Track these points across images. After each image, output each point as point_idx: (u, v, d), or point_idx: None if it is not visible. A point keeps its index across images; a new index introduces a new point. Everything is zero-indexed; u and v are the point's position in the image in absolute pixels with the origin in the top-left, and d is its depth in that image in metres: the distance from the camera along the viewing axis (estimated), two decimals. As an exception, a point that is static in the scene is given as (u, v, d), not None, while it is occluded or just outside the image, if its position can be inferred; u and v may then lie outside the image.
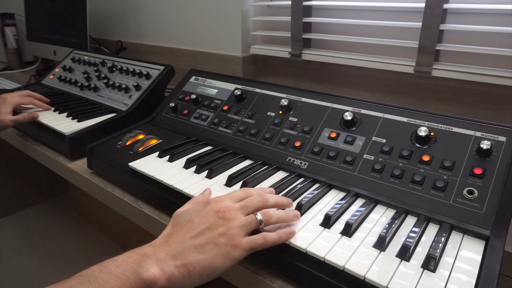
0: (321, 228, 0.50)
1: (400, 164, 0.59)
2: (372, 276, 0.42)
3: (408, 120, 0.63)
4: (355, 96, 0.72)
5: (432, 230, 0.50)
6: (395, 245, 0.47)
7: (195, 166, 0.67)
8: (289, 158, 0.67)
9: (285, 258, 0.48)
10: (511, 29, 0.75)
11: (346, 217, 0.52)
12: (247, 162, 0.70)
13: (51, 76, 1.25)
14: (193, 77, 0.96)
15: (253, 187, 0.61)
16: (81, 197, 1.96)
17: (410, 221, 0.52)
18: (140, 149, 0.76)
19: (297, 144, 0.68)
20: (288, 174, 0.65)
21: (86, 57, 1.25)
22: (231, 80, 0.89)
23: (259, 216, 0.49)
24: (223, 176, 0.64)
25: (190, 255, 0.44)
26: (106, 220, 1.84)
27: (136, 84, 1.01)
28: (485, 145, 0.54)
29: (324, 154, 0.65)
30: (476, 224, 0.49)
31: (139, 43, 1.51)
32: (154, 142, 0.79)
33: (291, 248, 0.48)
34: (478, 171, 0.54)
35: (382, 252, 0.46)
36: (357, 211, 0.53)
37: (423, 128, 0.59)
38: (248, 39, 1.19)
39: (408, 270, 0.43)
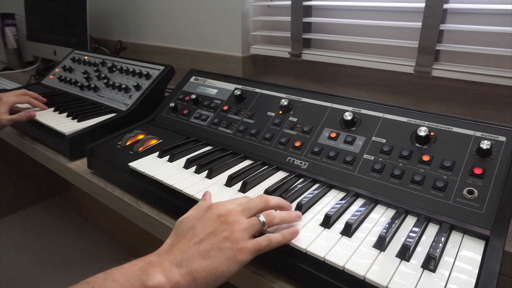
0: (321, 228, 0.50)
1: (400, 164, 0.59)
2: (372, 276, 0.42)
3: (408, 120, 0.63)
4: (355, 96, 0.72)
5: (432, 230, 0.50)
6: (395, 245, 0.47)
7: (195, 166, 0.67)
8: (289, 158, 0.67)
9: (285, 258, 0.48)
10: (511, 29, 0.75)
11: (346, 217, 0.52)
12: (247, 162, 0.70)
13: (51, 76, 1.25)
14: (193, 77, 0.96)
15: (253, 187, 0.61)
16: (81, 197, 1.96)
17: (410, 221, 0.52)
18: (140, 149, 0.77)
19: (297, 144, 0.68)
20: (288, 174, 0.65)
21: (86, 57, 1.25)
22: (231, 80, 0.89)
23: (262, 218, 0.48)
24: (223, 176, 0.64)
25: (195, 262, 0.43)
26: (106, 220, 1.84)
27: (136, 84, 1.01)
28: (485, 145, 0.54)
29: (324, 154, 0.65)
30: (476, 224, 0.49)
31: (139, 43, 1.51)
32: (154, 142, 0.79)
33: (291, 248, 0.48)
34: (478, 171, 0.54)
35: (382, 252, 0.46)
36: (357, 211, 0.53)
37: (423, 128, 0.59)
38: (248, 39, 1.19)
39: (408, 270, 0.43)
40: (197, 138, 0.79)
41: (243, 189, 0.60)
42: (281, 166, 0.67)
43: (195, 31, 1.29)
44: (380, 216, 0.53)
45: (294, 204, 0.55)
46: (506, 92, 0.80)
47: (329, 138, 0.67)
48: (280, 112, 0.75)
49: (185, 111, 0.87)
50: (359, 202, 0.57)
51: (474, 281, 0.41)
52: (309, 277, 0.46)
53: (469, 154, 0.56)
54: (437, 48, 0.83)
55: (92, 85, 1.09)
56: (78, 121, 0.91)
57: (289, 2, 1.03)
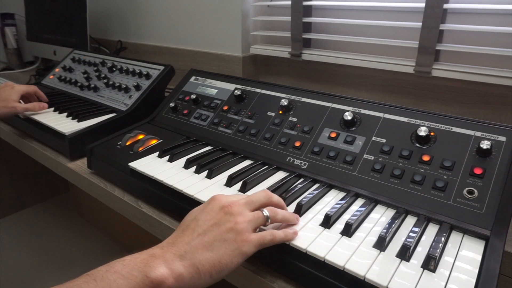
0: (321, 228, 0.50)
1: (400, 164, 0.59)
2: (372, 276, 0.42)
3: (408, 120, 0.63)
4: (355, 96, 0.72)
5: (432, 230, 0.50)
6: (395, 245, 0.47)
7: (195, 166, 0.67)
8: (289, 158, 0.67)
9: (285, 258, 0.48)
10: (511, 29, 0.75)
11: (346, 217, 0.52)
12: (247, 162, 0.70)
13: (51, 76, 1.25)
14: (193, 77, 0.96)
15: (253, 187, 0.61)
16: (81, 197, 1.96)
17: (410, 221, 0.52)
18: (140, 149, 0.77)
19: (297, 144, 0.68)
20: (288, 174, 0.65)
21: (86, 57, 1.25)
22: (231, 80, 0.89)
23: (266, 212, 0.48)
24: (223, 176, 0.64)
25: (198, 253, 0.43)
26: (106, 220, 1.84)
27: (136, 84, 1.01)
28: (485, 145, 0.54)
29: (324, 154, 0.65)
30: (476, 224, 0.49)
31: (139, 43, 1.51)
32: (154, 142, 0.79)
33: (291, 248, 0.48)
34: (478, 171, 0.54)
35: (382, 252, 0.46)
36: (357, 211, 0.53)
37: (423, 128, 0.59)
38: (248, 39, 1.19)
39: (408, 270, 0.43)
40: (197, 138, 0.79)
41: (243, 189, 0.60)
42: (281, 166, 0.67)
43: (195, 31, 1.29)
44: (380, 216, 0.53)
45: (294, 204, 0.55)
46: (506, 92, 0.80)
47: (329, 138, 0.67)
48: (280, 112, 0.75)
49: (185, 111, 0.87)
50: (359, 202, 0.57)
51: (474, 281, 0.41)
52: (309, 277, 0.46)
53: (469, 154, 0.56)
54: (437, 48, 0.83)
55: (92, 85, 1.09)
56: (78, 121, 0.91)
57: (289, 2, 1.03)
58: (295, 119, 0.73)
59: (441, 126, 0.60)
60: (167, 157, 0.72)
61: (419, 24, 0.83)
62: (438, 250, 0.44)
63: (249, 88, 0.84)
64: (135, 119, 0.92)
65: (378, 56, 0.95)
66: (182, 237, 0.45)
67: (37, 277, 1.58)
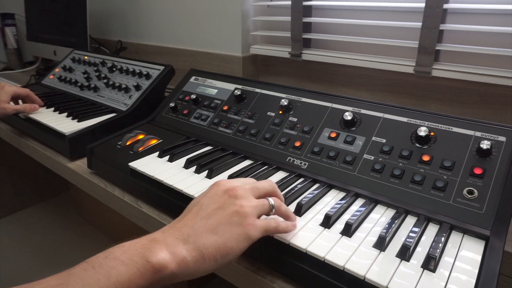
0: (321, 228, 0.50)
1: (400, 164, 0.59)
2: (372, 276, 0.42)
3: (408, 120, 0.63)
4: (355, 96, 0.72)
5: (432, 230, 0.50)
6: (395, 245, 0.47)
7: (195, 166, 0.67)
8: (289, 158, 0.67)
9: (285, 258, 0.48)
10: (511, 29, 0.75)
11: (346, 217, 0.52)
12: (247, 162, 0.70)
13: (51, 76, 1.25)
14: (193, 77, 0.96)
15: (253, 187, 0.61)
16: (81, 197, 1.96)
17: (410, 221, 0.52)
18: (140, 149, 0.76)
19: (297, 144, 0.68)
20: (288, 174, 0.65)
21: (86, 57, 1.25)
22: (231, 80, 0.89)
23: (271, 201, 0.47)
24: (223, 176, 0.64)
25: (202, 237, 0.41)
26: (106, 220, 1.84)
27: (136, 84, 1.01)
28: (485, 145, 0.54)
29: (324, 154, 0.65)
30: (476, 224, 0.49)
31: (139, 43, 1.51)
32: (154, 142, 0.79)
33: (291, 248, 0.48)
34: (478, 171, 0.54)
35: (382, 252, 0.46)
36: (357, 211, 0.53)
37: (423, 128, 0.59)
38: (248, 39, 1.19)
39: (408, 270, 0.43)
40: (197, 138, 0.79)
41: (243, 189, 0.60)
42: (281, 166, 0.67)
43: (195, 31, 1.29)
44: (380, 216, 0.53)
45: (294, 204, 0.55)
46: (506, 92, 0.80)
47: (329, 138, 0.67)
48: (280, 112, 0.75)
49: (185, 111, 0.87)
50: (359, 202, 0.57)
51: (474, 281, 0.41)
52: (309, 277, 0.46)
53: (469, 154, 0.56)
54: (437, 48, 0.83)
55: (92, 85, 1.09)
56: (78, 121, 0.91)
57: (289, 2, 1.03)
58: (295, 119, 0.73)
59: (441, 126, 0.60)
60: (167, 157, 0.72)
61: (419, 24, 0.83)
62: (438, 250, 0.44)
63: (249, 88, 0.84)
64: (135, 119, 0.92)
65: (378, 56, 0.95)
66: (185, 220, 0.43)
67: (37, 277, 1.57)
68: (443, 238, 0.47)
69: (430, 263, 0.43)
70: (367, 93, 1.02)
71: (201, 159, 0.69)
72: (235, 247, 0.42)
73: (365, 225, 0.51)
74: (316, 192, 0.58)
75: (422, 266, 0.43)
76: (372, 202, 0.56)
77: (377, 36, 0.95)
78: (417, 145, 0.60)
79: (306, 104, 0.74)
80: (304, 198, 0.56)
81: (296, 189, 0.59)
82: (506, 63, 0.79)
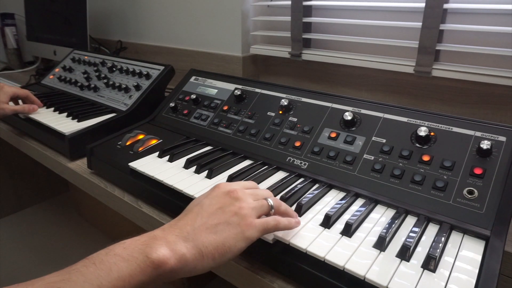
0: (321, 228, 0.50)
1: (400, 164, 0.59)
2: (372, 276, 0.42)
3: (408, 120, 0.63)
4: (355, 96, 0.72)
5: (432, 230, 0.50)
6: (395, 245, 0.47)
7: (195, 166, 0.67)
8: (289, 158, 0.67)
9: (285, 258, 0.48)
10: (511, 29, 0.75)
11: (346, 217, 0.52)
12: (247, 162, 0.70)
13: (51, 76, 1.25)
14: (193, 77, 0.96)
15: (253, 187, 0.61)
16: (81, 197, 1.96)
17: (410, 221, 0.52)
18: (140, 149, 0.76)
19: (297, 144, 0.68)
20: (288, 174, 0.65)
21: (86, 57, 1.25)
22: (231, 80, 0.89)
23: (270, 201, 0.48)
24: (223, 176, 0.64)
25: (201, 235, 0.42)
26: (106, 220, 1.84)
27: (136, 84, 1.01)
28: (485, 145, 0.54)
29: (324, 154, 0.65)
30: (476, 224, 0.49)
31: (139, 43, 1.51)
32: (154, 142, 0.79)
33: (291, 248, 0.48)
34: (478, 171, 0.54)
35: (382, 252, 0.46)
36: (357, 211, 0.53)
37: (423, 128, 0.59)
38: (248, 39, 1.19)
39: (408, 270, 0.43)
40: (197, 138, 0.79)
41: (243, 189, 0.60)
42: (281, 166, 0.67)
43: (195, 31, 1.29)
44: (380, 216, 0.53)
45: (294, 204, 0.55)
46: (506, 92, 0.80)
47: (329, 138, 0.67)
48: (280, 112, 0.75)
49: (185, 111, 0.87)
50: (359, 202, 0.57)
51: (474, 281, 0.41)
52: (309, 277, 0.46)
53: (469, 154, 0.56)
54: (437, 48, 0.83)
55: (92, 85, 1.09)
56: (78, 121, 0.91)
57: (289, 2, 1.03)
58: (295, 119, 0.73)
59: (441, 126, 0.60)
60: (167, 157, 0.72)
61: (419, 24, 0.83)
62: (438, 250, 0.44)
63: (249, 88, 0.84)
64: (135, 119, 0.92)
65: (378, 56, 0.95)
66: (185, 219, 0.44)
67: (37, 276, 1.57)
68: (443, 238, 0.47)
69: (430, 263, 0.43)
70: (367, 93, 1.02)
71: (201, 159, 0.69)
72: (233, 246, 0.43)
73: (365, 225, 0.51)
74: (316, 192, 0.58)
75: (422, 266, 0.43)
76: (372, 202, 0.56)
77: (377, 36, 0.95)
78: (417, 145, 0.60)
79: (306, 104, 0.74)
80: (304, 198, 0.56)
81: (296, 189, 0.59)
82: (506, 63, 0.79)
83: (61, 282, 0.34)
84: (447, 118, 0.61)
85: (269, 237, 0.48)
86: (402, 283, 0.41)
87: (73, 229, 1.94)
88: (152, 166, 0.69)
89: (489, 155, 0.55)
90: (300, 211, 0.53)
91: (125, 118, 0.93)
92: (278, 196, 0.57)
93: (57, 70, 1.27)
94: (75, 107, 0.99)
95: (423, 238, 0.48)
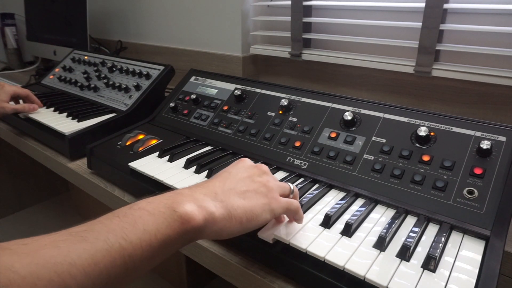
0: (321, 228, 0.50)
1: (400, 164, 0.59)
2: (372, 276, 0.42)
3: (408, 120, 0.63)
4: (355, 96, 0.72)
5: (432, 230, 0.50)
6: (395, 245, 0.47)
7: (195, 166, 0.67)
8: (289, 158, 0.67)
9: (285, 258, 0.48)
10: (511, 29, 0.75)
11: (346, 217, 0.52)
12: (247, 162, 0.70)
13: (51, 76, 1.25)
14: (193, 77, 0.96)
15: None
16: (81, 197, 1.96)
17: (410, 221, 0.52)
18: (140, 149, 0.76)
19: (297, 144, 0.68)
20: (288, 174, 0.65)
21: (86, 57, 1.25)
22: (231, 80, 0.89)
23: (291, 186, 0.49)
24: (223, 176, 0.64)
25: (230, 197, 0.41)
26: (106, 220, 1.84)
27: (136, 84, 1.01)
28: (485, 145, 0.54)
29: (324, 154, 0.65)
30: (476, 224, 0.49)
31: (139, 43, 1.51)
32: (154, 142, 0.79)
33: (291, 248, 0.48)
34: (478, 171, 0.54)
35: (382, 252, 0.46)
36: (357, 211, 0.53)
37: (423, 128, 0.59)
38: (248, 39, 1.19)
39: (408, 270, 0.43)
40: (197, 138, 0.79)
41: (243, 189, 0.60)
42: (281, 166, 0.67)
43: (195, 31, 1.29)
44: (380, 216, 0.53)
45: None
46: (506, 92, 0.80)
47: (329, 138, 0.67)
48: (280, 112, 0.75)
49: (185, 111, 0.87)
50: (359, 202, 0.57)
51: (474, 281, 0.41)
52: (309, 277, 0.46)
53: (469, 154, 0.56)
54: (437, 48, 0.83)
55: (92, 85, 1.09)
56: (78, 121, 0.91)
57: (289, 2, 1.03)
58: (295, 119, 0.73)
59: (441, 126, 0.60)
60: (167, 157, 0.72)
61: (419, 24, 0.83)
62: (438, 250, 0.44)
63: (249, 88, 0.84)
64: (135, 119, 0.92)
65: (378, 56, 0.95)
66: (213, 182, 0.44)
67: (37, 277, 1.57)
68: (443, 238, 0.47)
69: (430, 263, 0.43)
70: (367, 93, 1.02)
71: (201, 159, 0.69)
72: (260, 215, 0.43)
73: (365, 225, 0.51)
74: (316, 192, 0.58)
75: (422, 266, 0.43)
76: (372, 202, 0.56)
77: (377, 36, 0.95)
78: (417, 145, 0.60)
79: (306, 104, 0.74)
80: (304, 198, 0.56)
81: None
82: (506, 63, 0.79)
83: (84, 232, 0.33)
84: (447, 118, 0.61)
85: (269, 237, 0.48)
86: (402, 283, 0.41)
87: (73, 229, 1.94)
88: (152, 166, 0.69)
89: (489, 155, 0.55)
90: (300, 211, 0.53)
91: (125, 118, 0.93)
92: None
93: (57, 70, 1.27)
94: (75, 107, 0.99)
95: (423, 238, 0.48)
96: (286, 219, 0.51)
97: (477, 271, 0.43)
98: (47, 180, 2.14)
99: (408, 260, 0.44)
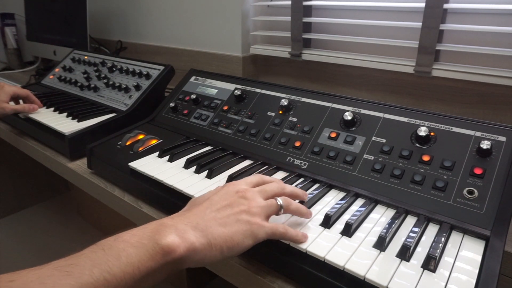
0: (321, 228, 0.50)
1: (400, 164, 0.59)
2: (372, 276, 0.42)
3: (408, 120, 0.63)
4: (355, 96, 0.72)
5: (432, 230, 0.50)
6: (395, 245, 0.47)
7: (195, 166, 0.67)
8: (289, 158, 0.67)
9: (285, 258, 0.48)
10: (511, 29, 0.75)
11: (346, 217, 0.52)
12: (247, 162, 0.70)
13: (51, 76, 1.25)
14: (193, 77, 0.96)
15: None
16: (81, 197, 1.96)
17: (410, 221, 0.52)
18: (140, 149, 0.76)
19: (297, 144, 0.68)
20: (288, 174, 0.65)
21: (86, 57, 1.25)
22: (231, 80, 0.89)
23: (279, 201, 0.48)
24: (223, 176, 0.64)
25: (211, 227, 0.42)
26: (106, 220, 1.84)
27: (136, 84, 1.01)
28: (485, 145, 0.54)
29: (324, 154, 0.65)
30: (476, 224, 0.49)
31: (139, 43, 1.51)
32: (154, 142, 0.79)
33: (291, 248, 0.48)
34: (478, 171, 0.54)
35: (382, 252, 0.46)
36: (357, 211, 0.53)
37: (423, 128, 0.59)
38: (248, 39, 1.19)
39: (408, 270, 0.43)
40: (197, 138, 0.79)
41: (243, 189, 0.60)
42: (281, 166, 0.67)
43: (195, 31, 1.29)
44: (380, 216, 0.53)
45: (295, 201, 0.55)
46: (506, 92, 0.80)
47: (329, 138, 0.67)
48: (280, 112, 0.75)
49: (185, 111, 0.87)
50: (359, 202, 0.57)
51: (474, 281, 0.41)
52: (309, 277, 0.46)
53: (469, 154, 0.56)
54: (437, 48, 0.83)
55: (92, 85, 1.09)
56: (78, 121, 0.91)
57: (289, 2, 1.03)
58: (295, 119, 0.73)
59: (441, 126, 0.60)
60: (167, 157, 0.72)
61: (419, 24, 0.83)
62: (438, 250, 0.44)
63: (249, 88, 0.84)
64: (135, 119, 0.92)
65: (378, 56, 0.95)
66: (194, 211, 0.44)
67: (37, 277, 1.57)
68: (443, 238, 0.47)
69: (430, 263, 0.43)
70: (367, 93, 1.02)
71: (201, 159, 0.69)
72: (241, 242, 0.43)
73: (365, 225, 0.51)
74: (316, 192, 0.58)
75: (422, 266, 0.43)
76: (372, 202, 0.56)
77: (377, 36, 0.95)
78: (417, 145, 0.60)
79: (306, 104, 0.74)
80: (304, 198, 0.56)
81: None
82: (506, 63, 0.79)
83: (69, 266, 0.34)
84: (447, 118, 0.61)
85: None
86: (402, 283, 0.41)
87: (73, 229, 1.95)
88: (152, 166, 0.69)
89: (489, 155, 0.55)
90: (300, 211, 0.53)
91: (125, 118, 0.93)
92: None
93: (57, 70, 1.27)
94: (75, 107, 0.99)
95: (423, 238, 0.48)
96: (284, 219, 0.51)
97: (477, 271, 0.43)
98: (47, 180, 2.14)
99: (408, 260, 0.44)
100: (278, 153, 0.69)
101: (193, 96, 0.88)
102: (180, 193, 0.61)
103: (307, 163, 0.65)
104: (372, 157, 0.61)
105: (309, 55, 1.05)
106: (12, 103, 0.98)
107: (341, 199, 0.57)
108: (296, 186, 0.60)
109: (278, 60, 1.17)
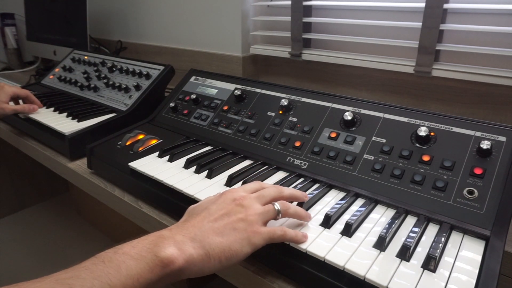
0: (321, 228, 0.50)
1: (400, 164, 0.59)
2: (372, 276, 0.42)
3: (408, 120, 0.63)
4: (355, 96, 0.72)
5: (432, 230, 0.50)
6: (395, 245, 0.47)
7: (195, 166, 0.67)
8: (289, 158, 0.67)
9: (285, 258, 0.48)
10: (511, 29, 0.75)
11: (346, 217, 0.52)
12: (247, 162, 0.70)
13: (51, 76, 1.25)
14: (193, 77, 0.96)
15: (253, 187, 0.61)
16: (81, 197, 1.96)
17: (410, 221, 0.52)
18: (140, 149, 0.76)
19: (297, 144, 0.68)
20: (288, 174, 0.65)
21: (86, 57, 1.25)
22: (231, 80, 0.89)
23: (277, 206, 0.49)
24: (223, 176, 0.64)
25: (208, 237, 0.43)
26: (106, 220, 1.84)
27: (136, 84, 1.01)
28: (485, 145, 0.54)
29: (324, 154, 0.65)
30: (476, 224, 0.49)
31: (139, 43, 1.51)
32: (154, 142, 0.79)
33: (291, 248, 0.48)
34: (478, 171, 0.54)
35: (382, 252, 0.46)
36: (357, 211, 0.53)
37: (423, 128, 0.59)
38: (248, 39, 1.19)
39: (408, 270, 0.43)
40: (197, 138, 0.79)
41: (243, 189, 0.60)
42: (281, 166, 0.67)
43: (195, 31, 1.29)
44: (380, 216, 0.53)
45: (293, 205, 0.55)
46: (506, 92, 0.80)
47: (329, 138, 0.67)
48: (280, 112, 0.75)
49: (185, 111, 0.87)
50: (359, 202, 0.57)
51: (474, 281, 0.41)
52: (309, 277, 0.46)
53: (469, 154, 0.56)
54: (437, 48, 0.83)
55: (92, 85, 1.09)
56: (78, 121, 0.91)
57: (289, 2, 1.03)
58: (295, 119, 0.73)
59: (441, 126, 0.60)
60: (167, 157, 0.72)
61: (419, 24, 0.83)
62: (438, 250, 0.44)
63: (249, 88, 0.84)
64: (135, 119, 0.92)
65: (378, 56, 0.95)
66: (192, 222, 0.45)
67: (37, 277, 1.57)
68: (443, 238, 0.47)
69: (430, 263, 0.43)
70: (367, 93, 1.02)
71: (201, 159, 0.69)
72: (239, 251, 0.43)
73: (365, 225, 0.51)
74: (316, 192, 0.58)
75: (422, 266, 0.43)
76: (372, 202, 0.56)
77: (377, 36, 0.95)
78: (417, 145, 0.60)
79: (306, 104, 0.74)
80: (304, 198, 0.56)
81: (296, 189, 0.58)
82: (506, 63, 0.79)
83: (70, 279, 0.35)
84: (447, 118, 0.61)
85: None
86: (402, 283, 0.41)
87: (73, 229, 1.95)
88: (152, 166, 0.69)
89: (489, 155, 0.55)
90: (300, 211, 0.53)
91: (125, 118, 0.93)
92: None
93: (57, 70, 1.27)
94: (75, 107, 0.99)
95: (423, 238, 0.48)
96: (283, 221, 0.51)
97: (477, 271, 0.43)
98: (47, 180, 2.14)
99: (408, 260, 0.44)
100: (278, 153, 0.69)
101: (193, 96, 0.88)
102: (180, 193, 0.61)
103: (307, 163, 0.65)
104: (372, 157, 0.61)
105: (309, 55, 1.05)
106: (12, 103, 0.98)
107: (341, 199, 0.57)
108: (296, 186, 0.60)
109: (278, 60, 1.17)
